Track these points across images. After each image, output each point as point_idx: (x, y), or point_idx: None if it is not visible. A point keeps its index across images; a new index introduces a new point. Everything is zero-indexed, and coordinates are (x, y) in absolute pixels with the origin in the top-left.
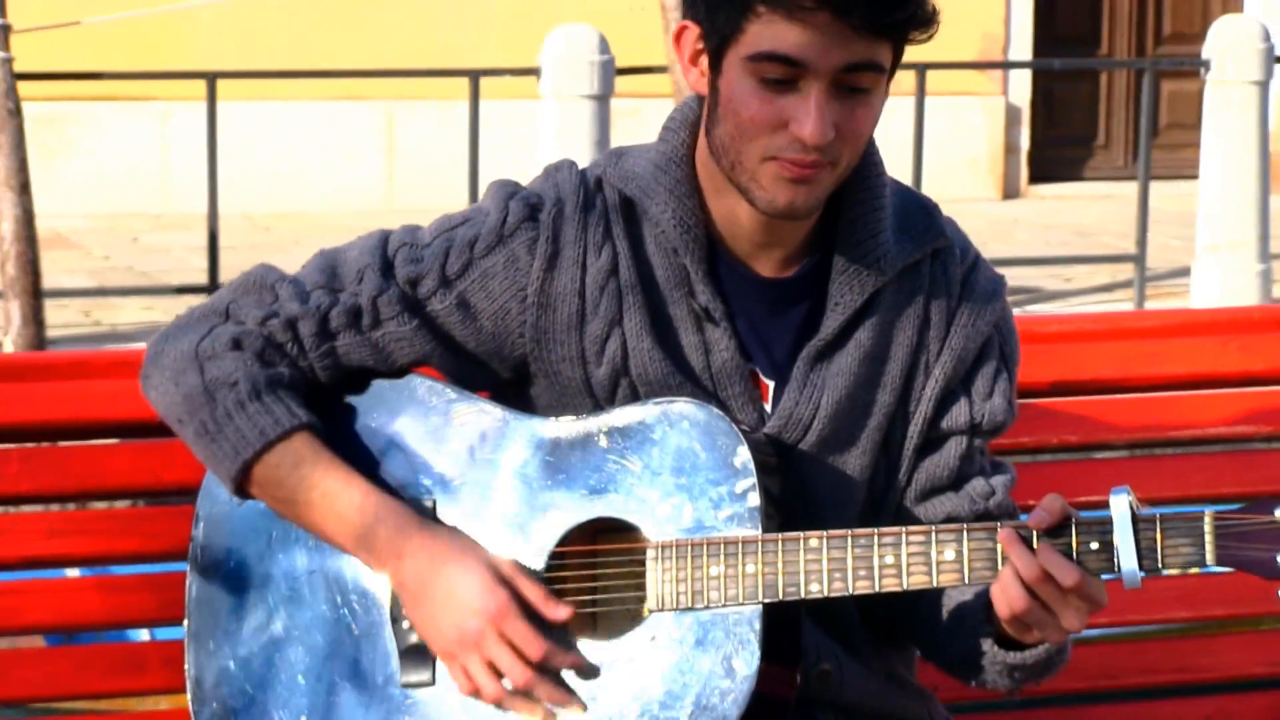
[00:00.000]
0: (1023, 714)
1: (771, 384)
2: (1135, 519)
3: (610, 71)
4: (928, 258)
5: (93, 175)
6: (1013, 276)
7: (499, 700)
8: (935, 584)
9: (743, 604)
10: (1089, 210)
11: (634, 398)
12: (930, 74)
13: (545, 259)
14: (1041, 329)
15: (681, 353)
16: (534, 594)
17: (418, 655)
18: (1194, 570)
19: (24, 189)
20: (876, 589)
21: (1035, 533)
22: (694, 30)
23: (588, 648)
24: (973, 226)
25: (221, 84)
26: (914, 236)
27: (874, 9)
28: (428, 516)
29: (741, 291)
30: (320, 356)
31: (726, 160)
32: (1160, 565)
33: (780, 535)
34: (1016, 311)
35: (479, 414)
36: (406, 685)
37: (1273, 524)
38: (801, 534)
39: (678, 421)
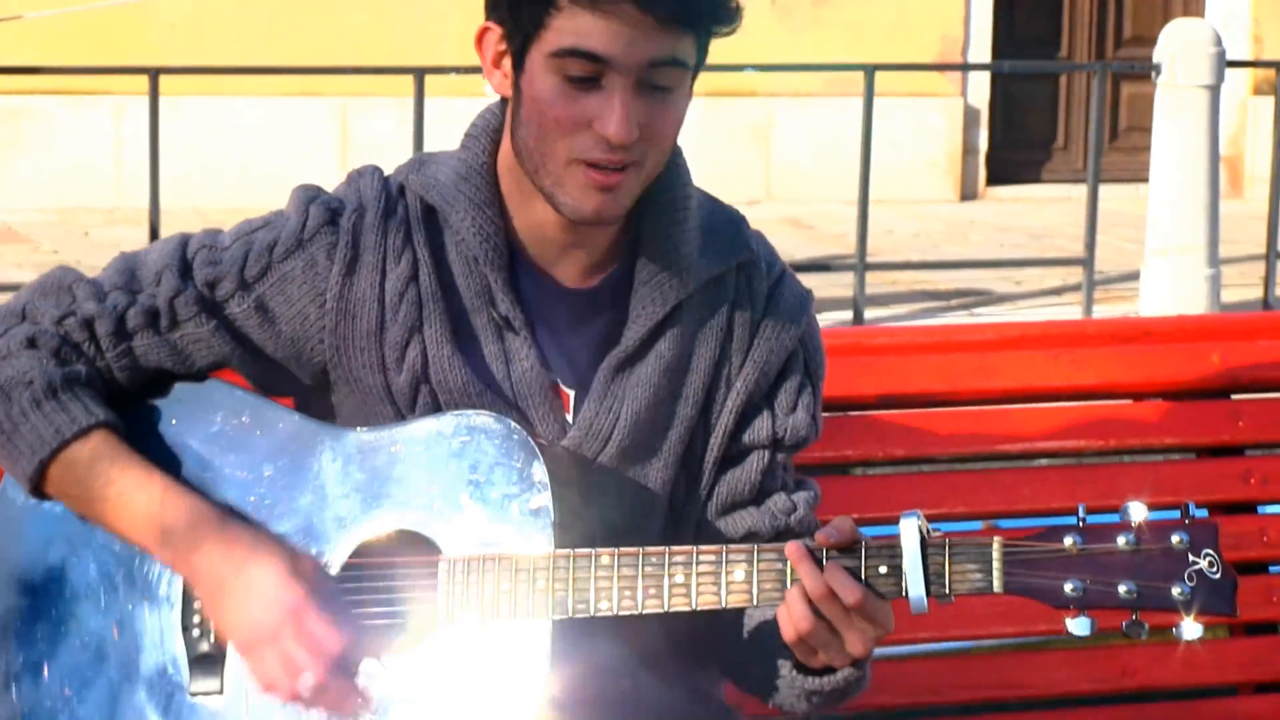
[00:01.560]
0: None
1: (573, 394)
2: (924, 543)
3: None
4: (733, 270)
5: (45, 169)
6: (963, 279)
7: (295, 695)
8: (724, 604)
9: (532, 619)
10: (1045, 213)
11: (435, 406)
12: (888, 76)
13: (344, 264)
14: (870, 341)
15: (483, 362)
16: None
17: (206, 664)
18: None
19: None
20: (666, 608)
21: (825, 551)
22: (496, 31)
23: (380, 660)
24: (928, 228)
25: (176, 79)
26: (719, 249)
27: (678, 2)
28: (226, 515)
29: (543, 301)
30: (117, 357)
31: (531, 164)
32: (947, 591)
33: (572, 551)
34: (963, 315)
35: (277, 421)
36: (194, 694)
37: (1061, 552)
38: (593, 550)
39: (475, 434)
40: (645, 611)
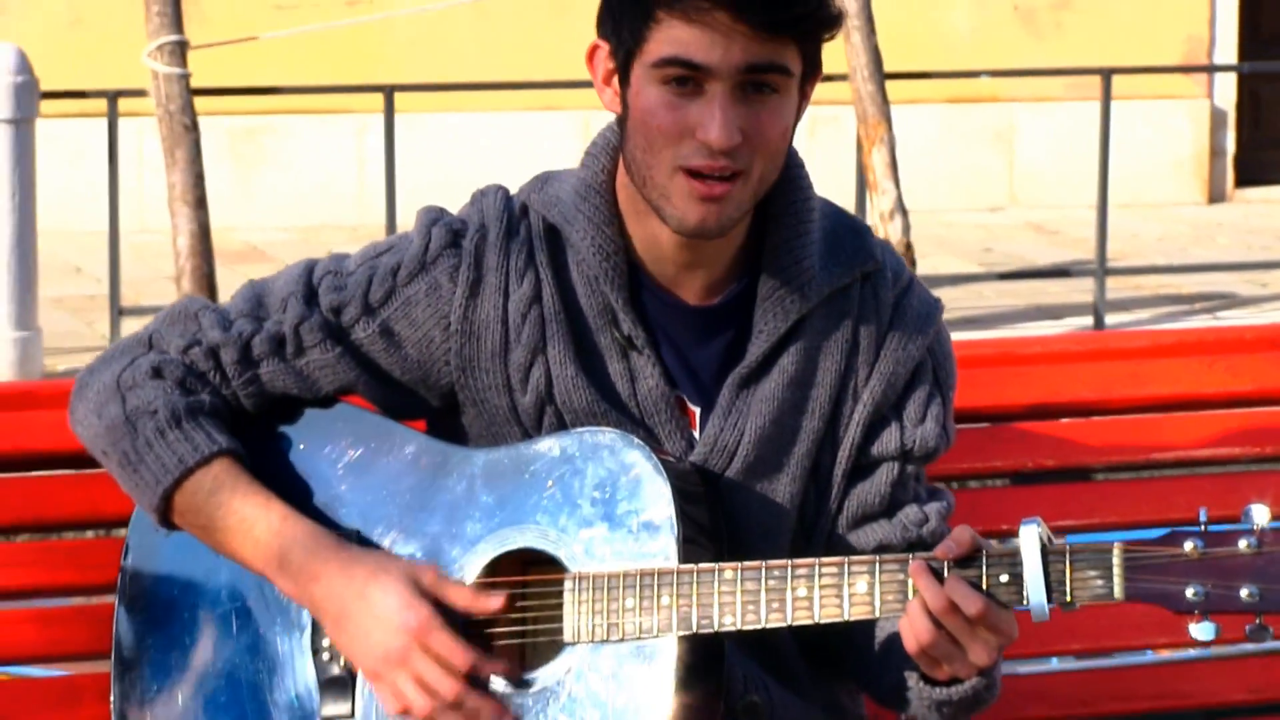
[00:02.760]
0: None
1: (699, 411)
2: (1045, 551)
3: None
4: (857, 281)
5: (287, 188)
6: (1207, 282)
7: (430, 716)
8: (847, 617)
9: (658, 636)
10: None
11: (560, 425)
12: (1132, 78)
13: (468, 286)
14: (1021, 350)
15: (608, 380)
16: (460, 595)
17: (337, 687)
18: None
19: (200, 203)
20: (789, 622)
21: (946, 564)
22: (604, 48)
23: (511, 680)
24: (1174, 231)
25: (415, 96)
26: (843, 260)
27: (770, 7)
28: (348, 540)
29: (666, 319)
30: (244, 384)
31: (639, 177)
32: (1069, 598)
33: (696, 566)
34: (1206, 319)
35: (403, 444)
36: (326, 718)
37: (1182, 556)
38: (716, 565)
39: (598, 451)
40: (769, 625)
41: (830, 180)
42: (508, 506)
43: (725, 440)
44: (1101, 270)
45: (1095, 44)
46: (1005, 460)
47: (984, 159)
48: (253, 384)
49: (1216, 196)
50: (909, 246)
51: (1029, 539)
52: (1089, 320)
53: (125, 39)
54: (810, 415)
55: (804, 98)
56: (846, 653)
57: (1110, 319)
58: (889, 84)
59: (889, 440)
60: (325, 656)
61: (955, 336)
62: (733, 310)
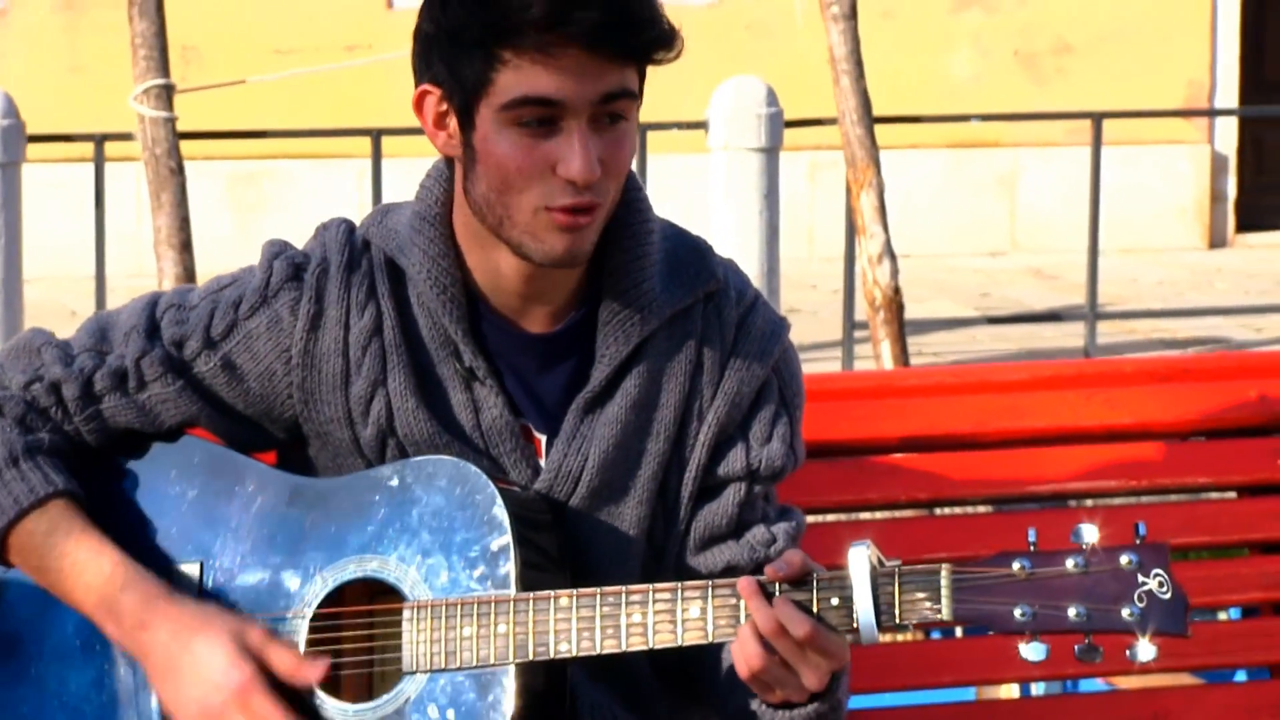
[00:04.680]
0: None
1: (544, 439)
2: (874, 573)
3: (779, 124)
4: (700, 301)
5: (288, 232)
6: (1202, 327)
7: None
8: (680, 643)
9: (494, 665)
10: None
11: (403, 457)
12: (1134, 123)
13: (308, 319)
14: (898, 382)
15: (450, 412)
16: (283, 661)
17: None
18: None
19: (185, 247)
20: (623, 648)
21: (777, 585)
22: (435, 93)
23: (352, 710)
24: (1173, 276)
25: (411, 140)
26: (684, 281)
27: (623, 35)
28: (187, 584)
29: (508, 348)
30: (86, 420)
31: (493, 217)
32: (897, 620)
33: (532, 595)
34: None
35: (246, 475)
36: None
37: (1010, 577)
38: (552, 593)
39: (435, 480)
40: (604, 652)
41: (827, 225)
42: (349, 537)
43: (570, 466)
44: (1092, 314)
45: (1096, 89)
46: (877, 493)
47: (986, 204)
48: (95, 419)
49: (1217, 242)
50: (897, 290)
51: (858, 561)
52: (1100, 359)
53: (113, 83)
54: (655, 438)
55: (637, 117)
56: (697, 677)
57: (1120, 358)
58: (889, 129)
59: (735, 460)
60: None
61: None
62: (575, 337)
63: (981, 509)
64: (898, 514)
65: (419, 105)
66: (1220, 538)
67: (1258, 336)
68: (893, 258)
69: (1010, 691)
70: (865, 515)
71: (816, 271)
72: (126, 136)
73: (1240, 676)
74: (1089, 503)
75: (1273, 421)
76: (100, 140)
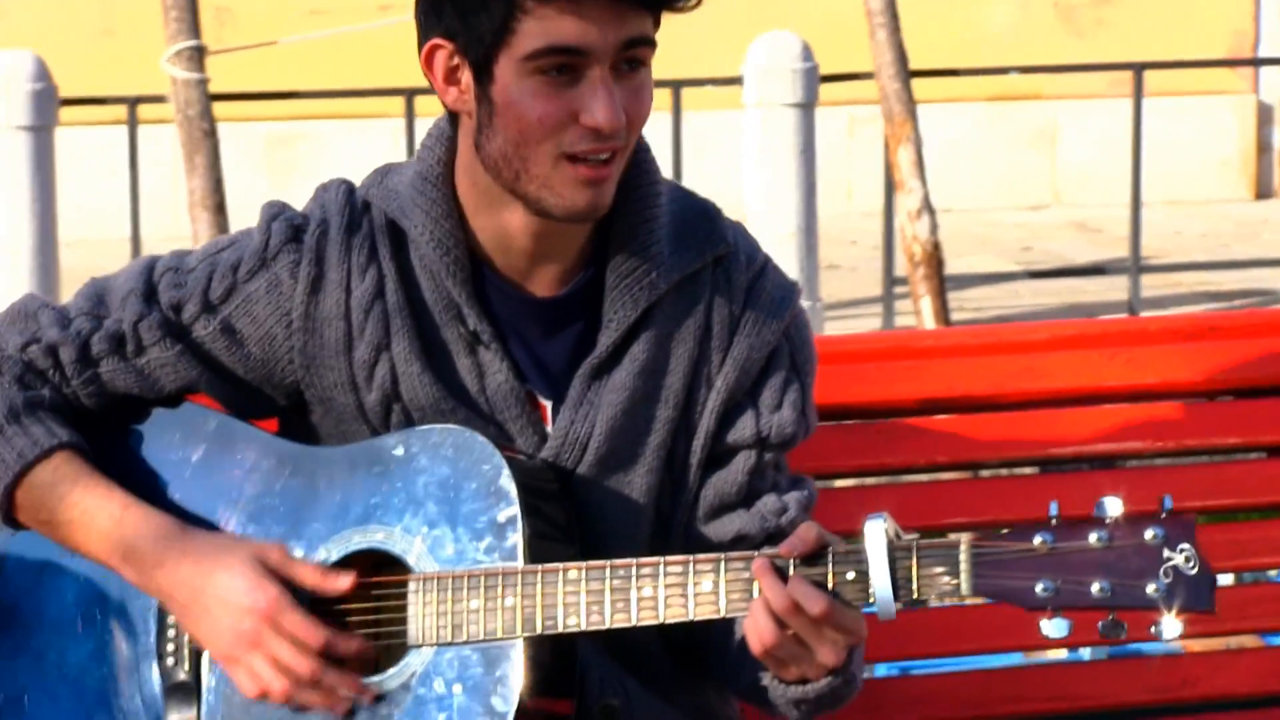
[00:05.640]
0: None
1: (550, 405)
2: (891, 547)
3: (814, 79)
4: (709, 265)
5: None
6: (1248, 279)
7: (289, 695)
8: (692, 617)
9: (501, 638)
10: None
11: (408, 422)
12: (1176, 74)
13: (308, 282)
14: (915, 343)
15: (455, 376)
16: (308, 574)
17: (181, 694)
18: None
19: (219, 209)
20: (634, 622)
21: (791, 562)
22: (446, 48)
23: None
24: (1218, 228)
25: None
26: (693, 244)
27: None
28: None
29: (512, 312)
30: (84, 383)
31: (509, 171)
32: (915, 595)
33: (540, 567)
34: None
35: (248, 443)
36: None
37: (1031, 551)
38: (561, 565)
39: (442, 449)
40: (614, 626)
41: (864, 180)
42: (353, 507)
43: (577, 433)
44: (1136, 267)
45: (1137, 40)
46: (894, 457)
47: (1026, 158)
48: (93, 383)
49: (1263, 193)
50: (936, 245)
51: (874, 535)
52: (1124, 319)
53: (145, 45)
54: (664, 404)
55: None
56: (707, 651)
57: (1146, 316)
58: (925, 83)
59: (744, 427)
60: (170, 662)
61: None
62: (581, 300)
63: (1001, 473)
64: (914, 479)
65: (428, 61)
66: (1249, 499)
67: None
68: (931, 212)
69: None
70: (881, 480)
71: (855, 227)
72: (159, 99)
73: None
74: (1117, 466)
75: None
76: (133, 103)
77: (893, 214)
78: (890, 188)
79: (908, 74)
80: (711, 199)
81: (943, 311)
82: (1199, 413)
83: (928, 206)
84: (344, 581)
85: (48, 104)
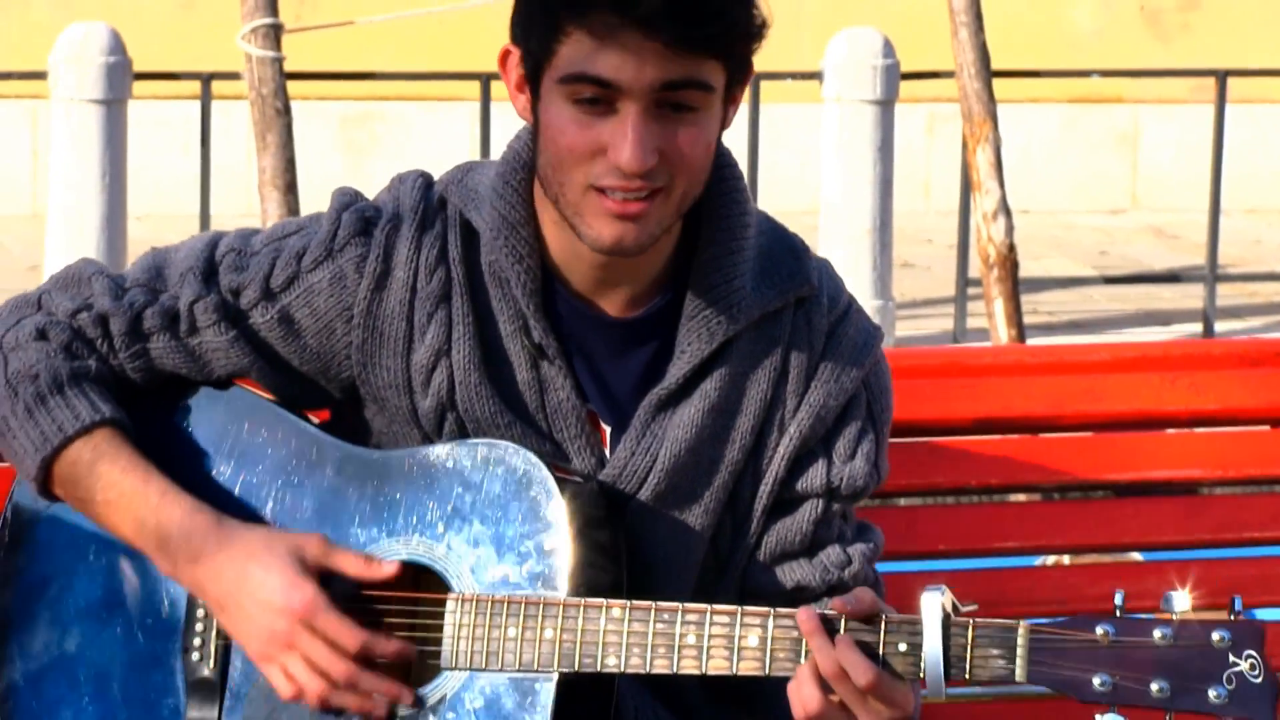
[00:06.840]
0: None
1: (610, 429)
2: (948, 622)
3: (895, 75)
4: (790, 306)
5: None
6: None
7: (325, 697)
8: (735, 671)
9: (537, 671)
10: None
11: (461, 432)
12: (1263, 81)
13: (374, 278)
14: (968, 360)
15: (515, 389)
16: (351, 563)
17: (204, 690)
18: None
19: (290, 188)
20: (675, 670)
21: (843, 620)
22: (515, 54)
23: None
24: None
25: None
26: (776, 282)
27: (683, 25)
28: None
29: (581, 329)
30: (131, 357)
31: (551, 192)
32: (968, 675)
33: (583, 601)
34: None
35: (293, 436)
36: None
37: (1092, 642)
38: (605, 601)
39: (494, 467)
40: (654, 672)
41: (942, 178)
42: (396, 516)
43: (637, 464)
44: (1212, 275)
45: (1222, 46)
46: (946, 478)
47: (1106, 161)
48: (140, 357)
49: None
50: (1012, 248)
51: (931, 607)
52: (1198, 327)
53: (222, 21)
54: (731, 445)
55: (733, 102)
56: (755, 695)
57: (1221, 326)
58: (1006, 83)
59: (814, 476)
60: (195, 657)
61: (1061, 341)
62: (655, 325)
63: (1054, 497)
64: (966, 500)
65: (503, 63)
66: None
67: None
68: (1008, 214)
69: None
70: (929, 500)
71: (932, 225)
72: (234, 76)
73: None
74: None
75: None
76: (207, 79)
77: (969, 214)
78: (967, 187)
79: (989, 74)
80: (789, 196)
81: (1016, 315)
82: (1262, 441)
83: (1004, 209)
84: (388, 568)
85: (122, 77)
